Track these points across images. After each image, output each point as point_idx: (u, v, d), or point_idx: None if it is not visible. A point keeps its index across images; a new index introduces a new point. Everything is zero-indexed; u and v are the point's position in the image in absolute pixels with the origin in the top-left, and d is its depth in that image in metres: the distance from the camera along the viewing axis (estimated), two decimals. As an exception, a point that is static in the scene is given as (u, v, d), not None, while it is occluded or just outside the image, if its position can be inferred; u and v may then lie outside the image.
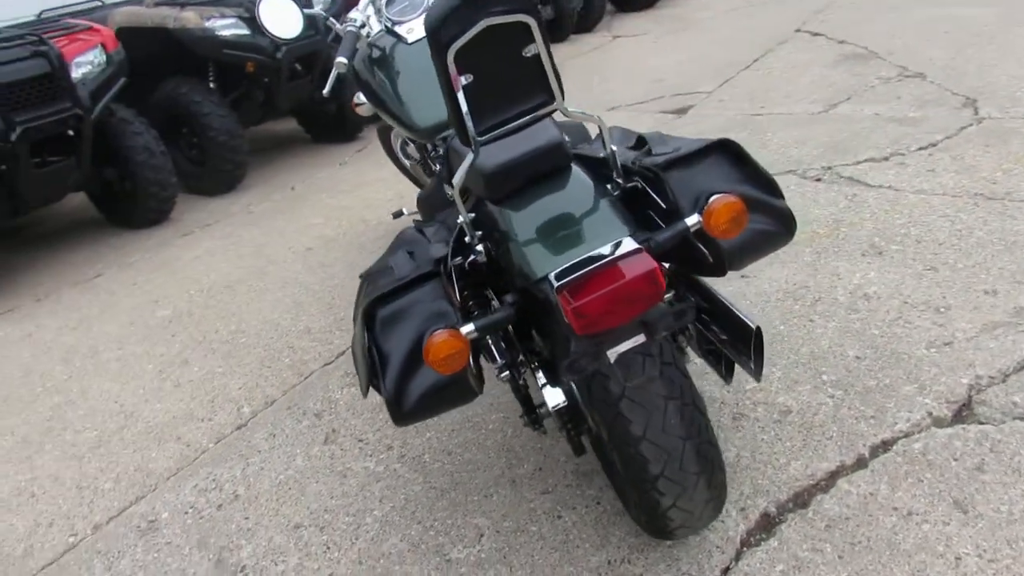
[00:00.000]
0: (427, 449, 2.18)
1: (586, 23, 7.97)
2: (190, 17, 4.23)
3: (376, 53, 2.41)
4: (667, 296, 1.63)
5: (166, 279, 3.65)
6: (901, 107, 4.14)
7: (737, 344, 1.58)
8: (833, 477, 1.84)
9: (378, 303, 1.47)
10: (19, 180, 3.59)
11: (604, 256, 1.23)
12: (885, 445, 1.90)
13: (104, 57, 3.81)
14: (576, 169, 1.51)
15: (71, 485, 2.29)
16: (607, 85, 5.84)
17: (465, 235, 1.52)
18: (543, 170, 1.49)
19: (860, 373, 2.14)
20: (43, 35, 3.58)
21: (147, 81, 4.55)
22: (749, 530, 1.73)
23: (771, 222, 1.50)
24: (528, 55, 1.29)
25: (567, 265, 1.26)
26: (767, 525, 1.74)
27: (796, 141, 3.92)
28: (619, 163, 1.53)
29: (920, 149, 3.54)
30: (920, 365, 2.14)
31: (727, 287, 2.67)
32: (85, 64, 3.71)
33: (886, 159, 3.51)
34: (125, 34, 4.43)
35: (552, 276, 1.26)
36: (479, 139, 1.35)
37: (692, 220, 1.44)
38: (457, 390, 1.42)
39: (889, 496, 1.75)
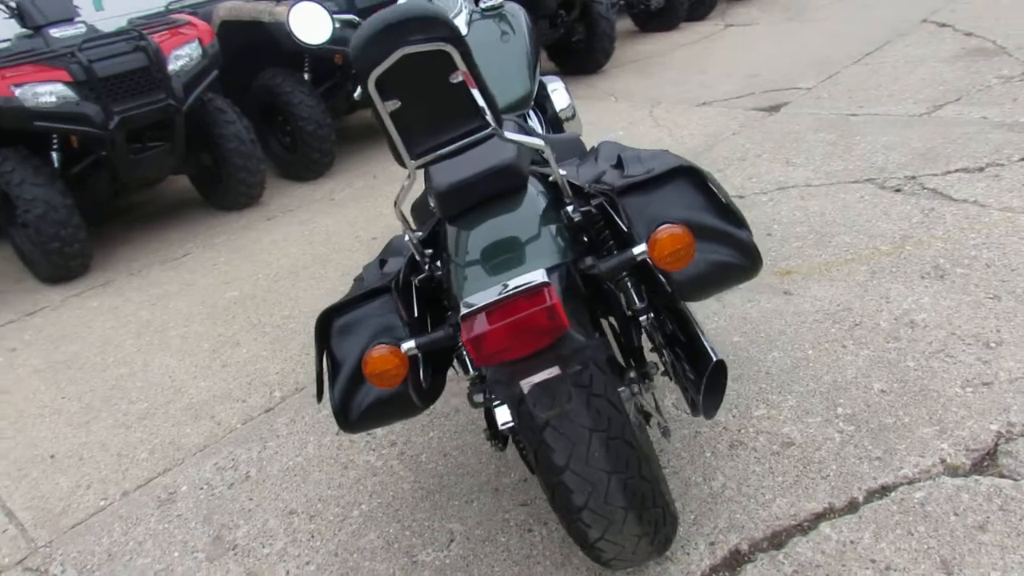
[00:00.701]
0: (426, 448, 2.22)
1: (699, 11, 7.70)
2: (283, 12, 4.43)
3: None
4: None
5: (242, 261, 3.88)
6: (1016, 111, 3.76)
7: (697, 375, 1.53)
8: (817, 519, 1.73)
9: (333, 314, 1.52)
10: (118, 164, 3.91)
11: (516, 287, 1.21)
12: (883, 490, 1.77)
13: (200, 51, 4.07)
14: (532, 190, 1.49)
15: (114, 452, 2.50)
16: (704, 77, 5.64)
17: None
18: (494, 191, 1.48)
19: (880, 408, 2.00)
20: (145, 31, 3.87)
21: (247, 71, 4.82)
22: (713, 566, 1.67)
23: (732, 254, 1.43)
24: (455, 81, 1.28)
25: (480, 293, 1.26)
26: (734, 563, 1.67)
27: (885, 146, 3.65)
28: (585, 185, 1.49)
29: (1022, 160, 3.22)
30: (949, 405, 1.96)
31: (767, 303, 2.54)
32: (182, 57, 3.97)
33: (980, 170, 3.21)
34: (228, 26, 4.71)
35: (463, 303, 1.26)
36: (414, 162, 1.36)
37: (638, 249, 1.39)
38: (399, 404, 1.45)
39: (871, 547, 1.63)
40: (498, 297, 1.20)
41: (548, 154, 1.42)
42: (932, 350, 2.18)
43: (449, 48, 1.23)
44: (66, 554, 2.09)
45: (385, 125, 1.30)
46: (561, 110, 2.39)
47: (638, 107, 5.17)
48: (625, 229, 1.44)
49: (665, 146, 4.27)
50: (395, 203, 1.44)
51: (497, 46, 2.26)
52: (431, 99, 1.30)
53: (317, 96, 4.73)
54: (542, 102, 2.41)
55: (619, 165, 1.61)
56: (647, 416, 1.69)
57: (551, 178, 1.54)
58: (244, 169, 4.35)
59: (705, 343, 1.59)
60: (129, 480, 2.35)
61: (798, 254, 2.84)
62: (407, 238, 1.50)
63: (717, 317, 2.54)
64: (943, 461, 1.81)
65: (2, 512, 2.31)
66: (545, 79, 2.53)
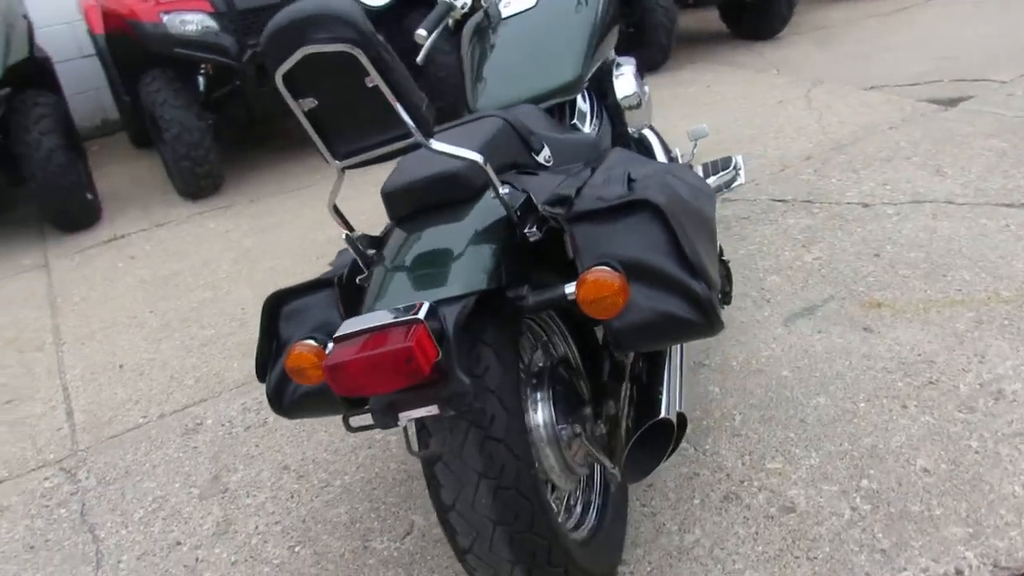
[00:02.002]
0: (426, 430, 2.19)
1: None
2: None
3: (476, 24, 2.32)
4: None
5: (359, 198, 3.98)
6: None
7: (633, 428, 1.37)
8: (780, 608, 1.53)
9: (283, 297, 1.50)
10: (248, 95, 4.11)
11: (384, 321, 1.12)
12: (870, 592, 1.52)
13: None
14: (486, 204, 1.36)
15: (169, 374, 2.69)
16: (888, 56, 5.00)
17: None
18: (439, 198, 1.37)
19: (912, 491, 1.71)
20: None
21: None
22: (647, 631, 1.53)
23: (683, 306, 1.24)
24: (369, 86, 1.18)
25: (365, 315, 1.17)
26: (670, 633, 1.52)
27: (1064, 166, 3.07)
28: (539, 205, 1.35)
29: None
30: (996, 506, 1.65)
31: (838, 338, 2.24)
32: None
33: None
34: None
35: (344, 324, 1.18)
36: (338, 163, 1.28)
37: (569, 288, 1.24)
38: (325, 400, 1.42)
39: (826, 657, 1.42)
40: (363, 327, 1.11)
41: (488, 171, 1.28)
42: (1008, 432, 1.83)
43: (354, 51, 1.13)
44: (95, 463, 2.29)
45: (302, 123, 1.23)
46: (623, 98, 2.19)
47: (797, 84, 4.69)
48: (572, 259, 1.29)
49: (807, 133, 3.86)
50: (328, 204, 1.38)
51: (556, 24, 2.09)
52: (351, 100, 1.20)
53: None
54: (605, 87, 2.21)
55: (609, 182, 1.44)
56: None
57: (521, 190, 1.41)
58: None
59: (662, 394, 1.42)
60: (170, 404, 2.52)
61: (900, 284, 2.47)
62: (344, 237, 1.44)
63: (776, 344, 2.28)
64: (959, 573, 1.52)
65: (64, 411, 2.57)
66: (620, 60, 2.32)
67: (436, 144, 1.25)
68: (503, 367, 1.28)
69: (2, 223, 4.57)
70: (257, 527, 1.94)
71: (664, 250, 1.24)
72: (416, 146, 1.24)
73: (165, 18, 3.77)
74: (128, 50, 4.17)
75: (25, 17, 4.22)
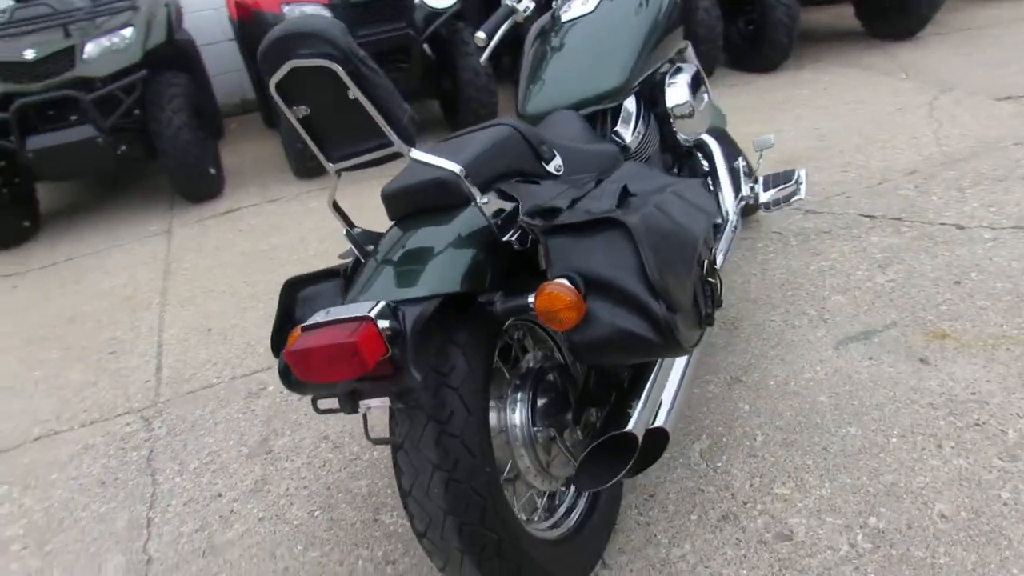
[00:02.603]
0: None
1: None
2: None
3: (541, 27, 2.36)
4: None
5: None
6: None
7: (596, 435, 1.40)
8: (749, 634, 1.51)
9: (298, 284, 1.63)
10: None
11: (339, 316, 1.20)
12: (846, 633, 1.48)
13: (447, -17, 4.28)
14: (471, 212, 1.41)
15: (246, 340, 2.93)
16: (1037, 64, 4.59)
17: None
18: (428, 203, 1.44)
19: (921, 535, 1.64)
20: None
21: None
22: (612, 637, 1.56)
23: (642, 325, 1.25)
24: (351, 98, 1.26)
25: (336, 308, 1.26)
26: (634, 642, 1.54)
27: None
28: (520, 216, 1.39)
29: None
30: (1010, 564, 1.55)
31: (888, 366, 2.14)
32: (430, -11, 4.22)
33: None
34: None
35: (318, 314, 1.27)
36: (332, 165, 1.38)
37: (531, 298, 1.29)
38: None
39: None
40: (325, 320, 1.21)
41: (465, 182, 1.34)
42: (1047, 487, 1.70)
43: (333, 66, 1.22)
44: (169, 414, 2.55)
45: (297, 129, 1.34)
46: (673, 107, 2.16)
47: (923, 90, 4.39)
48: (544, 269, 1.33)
49: (919, 145, 3.63)
50: (328, 202, 1.48)
51: (609, 30, 2.10)
52: (339, 110, 1.30)
53: None
54: (656, 94, 2.20)
55: (603, 196, 1.46)
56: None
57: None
58: (476, 100, 4.55)
59: (635, 408, 1.44)
60: (241, 368, 2.75)
61: (974, 316, 2.31)
62: (344, 233, 1.54)
63: (820, 367, 2.20)
64: (946, 628, 1.45)
65: (155, 366, 2.86)
66: (682, 65, 2.30)
67: (416, 153, 1.33)
68: (470, 368, 1.34)
69: (139, 191, 5.07)
70: (287, 489, 2.11)
71: (630, 269, 1.26)
72: (397, 155, 1.32)
73: (285, 9, 4.04)
74: (256, 36, 4.50)
75: (167, 5, 4.64)
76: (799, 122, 4.24)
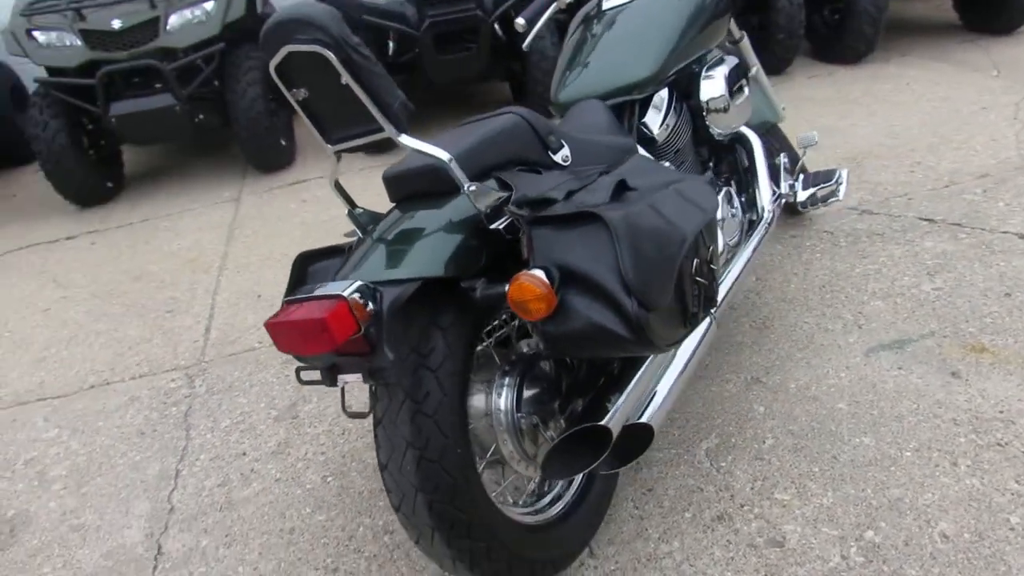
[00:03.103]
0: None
1: None
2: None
3: (586, 13, 2.35)
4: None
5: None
6: None
7: (568, 425, 1.42)
8: (722, 636, 1.51)
9: (308, 258, 1.70)
10: (425, 63, 4.39)
11: (317, 293, 1.25)
12: (820, 645, 1.46)
13: (516, -35, 4.28)
14: (464, 199, 1.44)
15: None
16: None
17: None
18: (422, 188, 1.47)
19: (917, 554, 1.59)
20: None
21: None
22: (586, 624, 1.58)
23: (615, 320, 1.26)
24: (343, 83, 1.30)
25: (327, 284, 1.31)
26: (606, 632, 1.56)
27: None
28: (509, 205, 1.40)
29: None
30: (1006, 591, 1.49)
31: (916, 377, 2.07)
32: (501, -29, 4.23)
33: None
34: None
35: (301, 289, 1.32)
36: (330, 147, 1.43)
37: (507, 287, 1.31)
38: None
39: None
40: (306, 295, 1.26)
41: (454, 168, 1.36)
42: (1064, 516, 1.62)
43: (325, 52, 1.26)
44: (211, 374, 2.69)
45: (297, 110, 1.40)
46: (708, 100, 2.12)
47: (1014, 90, 4.14)
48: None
49: (996, 148, 3.44)
50: (329, 182, 1.54)
51: (647, 19, 2.07)
52: (334, 95, 1.34)
53: None
54: (692, 86, 2.16)
55: (598, 189, 1.45)
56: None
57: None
58: (542, 83, 4.55)
59: (613, 401, 1.45)
60: (282, 334, 2.86)
61: (1019, 331, 2.20)
62: (347, 213, 1.59)
63: (846, 374, 2.14)
64: (925, 651, 1.41)
65: (205, 327, 3.02)
66: (725, 57, 2.25)
67: (405, 139, 1.36)
68: (449, 351, 1.38)
69: (217, 158, 5.29)
70: (306, 453, 2.20)
71: (606, 265, 1.27)
72: (390, 140, 1.36)
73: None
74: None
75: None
76: (873, 118, 4.07)
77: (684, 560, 1.67)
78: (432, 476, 1.35)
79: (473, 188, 1.38)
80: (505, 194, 1.42)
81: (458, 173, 1.37)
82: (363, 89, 1.30)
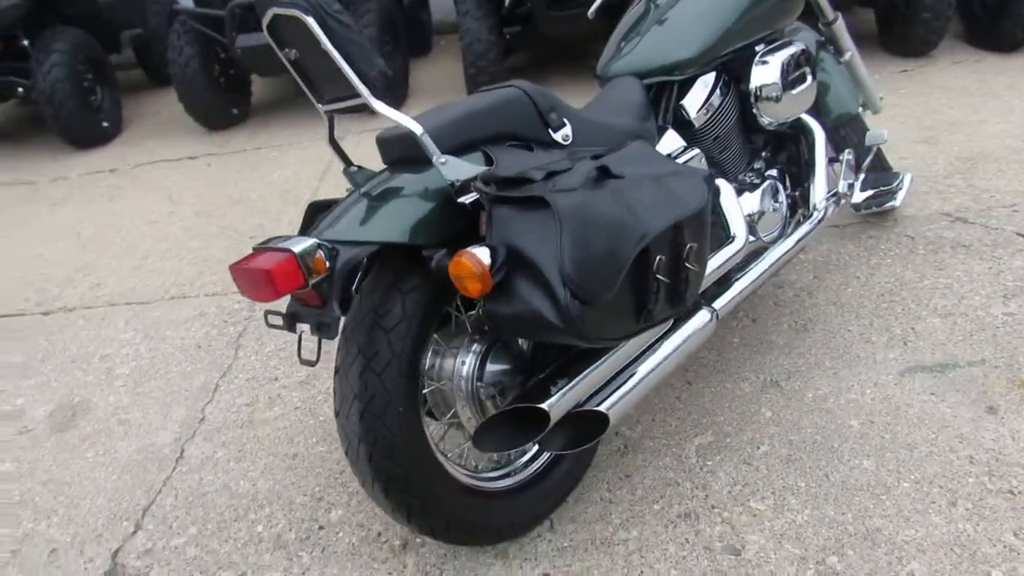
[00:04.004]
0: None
1: None
2: None
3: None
4: None
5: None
6: None
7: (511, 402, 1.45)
8: (647, 630, 1.51)
9: (319, 206, 1.79)
10: (537, 17, 4.35)
11: (274, 244, 1.33)
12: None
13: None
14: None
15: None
16: None
17: None
18: (404, 154, 1.50)
19: (873, 589, 1.52)
20: None
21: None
22: (524, 593, 1.63)
23: (549, 308, 1.27)
24: (323, 49, 1.34)
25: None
26: (540, 604, 1.60)
27: None
28: (473, 182, 1.42)
29: None
30: (956, 645, 1.41)
31: (946, 407, 1.93)
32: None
33: None
34: None
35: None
36: (321, 106, 1.49)
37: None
38: None
39: None
40: (267, 246, 1.34)
41: (425, 141, 1.39)
42: (1053, 580, 1.50)
43: (304, 18, 1.31)
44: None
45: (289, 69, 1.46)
46: (757, 87, 2.01)
47: None
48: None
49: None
50: (327, 140, 1.60)
51: None
52: (320, 57, 1.39)
53: None
54: (740, 72, 2.05)
55: (574, 172, 1.44)
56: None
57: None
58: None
59: (559, 385, 1.46)
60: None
61: (1085, 373, 2.00)
62: (343, 170, 1.65)
63: (871, 391, 2.02)
64: None
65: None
66: (791, 42, 2.11)
67: (379, 107, 1.40)
68: (404, 314, 1.43)
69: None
70: (327, 387, 2.34)
71: (549, 251, 1.27)
72: (355, 105, 1.40)
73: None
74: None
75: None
76: (1010, 115, 3.68)
77: (637, 550, 1.67)
78: (373, 429, 1.42)
79: (444, 160, 1.41)
80: (479, 168, 1.44)
81: (429, 145, 1.40)
82: (340, 54, 1.35)
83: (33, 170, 4.82)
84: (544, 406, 1.41)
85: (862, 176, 2.26)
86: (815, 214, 2.14)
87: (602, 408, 1.52)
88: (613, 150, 1.58)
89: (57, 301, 3.16)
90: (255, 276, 1.28)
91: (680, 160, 1.85)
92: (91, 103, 4.95)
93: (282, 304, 1.42)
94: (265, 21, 1.40)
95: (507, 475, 1.69)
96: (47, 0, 4.79)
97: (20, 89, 4.82)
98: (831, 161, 2.23)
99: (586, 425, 1.52)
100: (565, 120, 1.63)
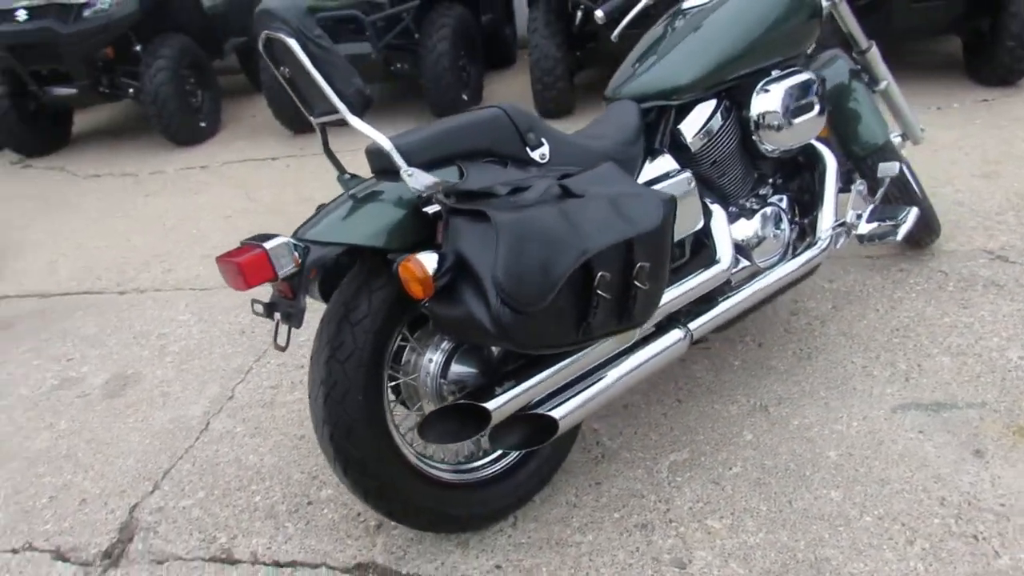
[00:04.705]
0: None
1: None
2: None
3: (674, 10, 2.33)
4: None
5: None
6: None
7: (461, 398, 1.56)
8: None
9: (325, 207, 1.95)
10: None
11: (254, 240, 1.49)
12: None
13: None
14: None
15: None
16: None
17: None
18: (378, 166, 1.64)
19: (805, 614, 1.55)
20: None
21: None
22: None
23: (484, 314, 1.38)
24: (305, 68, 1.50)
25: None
26: (487, 593, 1.70)
27: None
28: (436, 194, 1.53)
29: None
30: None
31: (931, 446, 1.91)
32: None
33: None
34: None
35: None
36: (314, 119, 1.65)
37: None
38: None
39: None
40: (248, 241, 1.51)
41: (393, 155, 1.52)
42: (992, 626, 1.48)
43: (288, 40, 1.46)
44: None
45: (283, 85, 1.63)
46: (758, 114, 2.04)
47: None
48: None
49: None
50: (323, 149, 1.76)
51: (712, 23, 2.01)
52: (306, 75, 1.54)
53: None
54: (743, 98, 2.08)
55: (535, 190, 1.54)
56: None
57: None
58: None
59: (505, 387, 1.57)
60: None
61: (1090, 425, 1.93)
62: (336, 177, 1.80)
63: (857, 424, 2.02)
64: None
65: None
66: (798, 72, 2.13)
67: (355, 122, 1.54)
68: (370, 311, 1.57)
69: (407, 104, 5.74)
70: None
71: (488, 261, 1.38)
72: (342, 121, 1.55)
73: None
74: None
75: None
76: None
77: (587, 553, 1.75)
78: (333, 413, 1.56)
79: (410, 173, 1.54)
80: (443, 181, 1.56)
81: (396, 158, 1.53)
82: (320, 74, 1.51)
83: (137, 164, 5.29)
84: (487, 405, 1.51)
85: (870, 207, 2.24)
86: (818, 243, 2.15)
87: (554, 413, 1.61)
88: (584, 170, 1.67)
89: (133, 282, 3.49)
90: (230, 268, 1.45)
91: (667, 183, 1.91)
92: (191, 104, 5.38)
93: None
94: (260, 42, 1.58)
95: (471, 470, 1.80)
96: (159, 9, 5.25)
97: (131, 90, 5.29)
98: (842, 190, 2.23)
99: (538, 427, 1.61)
100: (543, 140, 1.73)
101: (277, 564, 1.83)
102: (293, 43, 1.49)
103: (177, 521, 2.00)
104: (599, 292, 1.47)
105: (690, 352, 2.38)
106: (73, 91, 5.21)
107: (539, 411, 1.61)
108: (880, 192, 2.26)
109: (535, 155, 1.72)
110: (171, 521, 2.00)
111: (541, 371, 1.61)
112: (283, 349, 1.58)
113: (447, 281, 1.43)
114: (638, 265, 1.53)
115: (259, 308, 1.62)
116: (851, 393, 2.13)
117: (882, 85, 2.56)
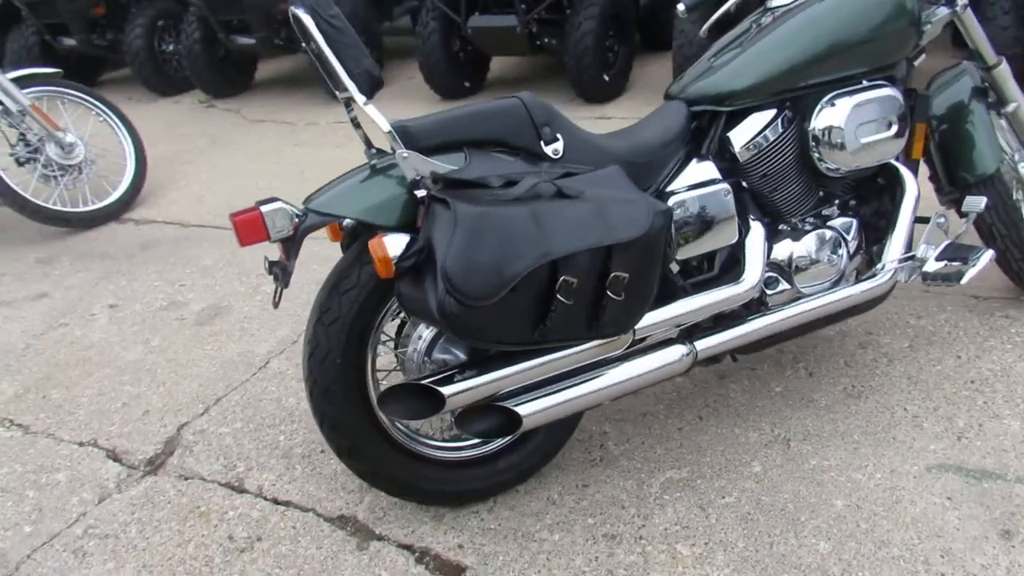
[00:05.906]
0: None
1: None
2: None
3: (763, 8, 2.18)
4: None
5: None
6: None
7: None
8: (510, 620, 1.61)
9: None
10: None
11: (262, 202, 1.59)
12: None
13: None
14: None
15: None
16: None
17: None
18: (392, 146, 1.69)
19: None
20: None
21: None
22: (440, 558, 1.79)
23: (434, 299, 1.42)
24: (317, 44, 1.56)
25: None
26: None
27: None
28: (424, 178, 1.57)
29: None
30: None
31: (954, 516, 1.73)
32: None
33: None
34: None
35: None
36: (338, 93, 1.72)
37: None
38: None
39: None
40: (259, 201, 1.62)
41: (393, 136, 1.56)
42: None
43: (304, 16, 1.54)
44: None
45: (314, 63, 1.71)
46: (821, 129, 1.88)
47: None
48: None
49: None
50: (350, 123, 1.84)
51: (788, 26, 1.88)
52: (321, 53, 1.61)
53: None
54: (806, 110, 1.92)
55: (524, 185, 1.54)
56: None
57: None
58: None
59: (466, 376, 1.60)
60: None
61: None
62: (364, 151, 1.87)
63: (882, 476, 1.86)
64: None
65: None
66: (876, 86, 1.94)
67: (360, 101, 1.60)
68: (358, 282, 1.65)
69: (555, 81, 5.71)
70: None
71: (445, 252, 1.41)
72: (351, 100, 1.62)
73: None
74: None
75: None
76: None
77: (549, 552, 1.76)
78: (314, 372, 1.67)
79: (405, 155, 1.59)
80: (437, 166, 1.60)
81: (395, 141, 1.59)
82: (335, 54, 1.58)
83: (298, 113, 5.71)
84: (443, 389, 1.56)
85: (945, 243, 2.00)
86: (879, 275, 1.97)
87: (520, 410, 1.62)
88: (589, 170, 1.65)
89: (256, 223, 3.81)
90: (234, 225, 1.59)
91: (701, 191, 1.83)
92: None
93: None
94: (292, 17, 1.68)
95: (450, 449, 1.85)
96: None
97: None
98: (918, 220, 2.02)
99: (505, 420, 1.64)
100: (559, 135, 1.72)
101: (275, 501, 1.99)
102: (308, 19, 1.57)
103: (211, 444, 2.22)
104: (559, 297, 1.45)
105: (731, 369, 2.29)
106: (252, 41, 5.69)
107: (505, 404, 1.62)
108: (964, 227, 2.02)
109: (548, 150, 1.71)
110: (207, 443, 2.23)
111: (504, 366, 1.62)
112: (275, 307, 1.70)
113: (412, 264, 1.48)
114: (613, 274, 1.49)
115: (266, 266, 1.75)
116: (888, 442, 1.96)
117: (1010, 107, 2.27)
